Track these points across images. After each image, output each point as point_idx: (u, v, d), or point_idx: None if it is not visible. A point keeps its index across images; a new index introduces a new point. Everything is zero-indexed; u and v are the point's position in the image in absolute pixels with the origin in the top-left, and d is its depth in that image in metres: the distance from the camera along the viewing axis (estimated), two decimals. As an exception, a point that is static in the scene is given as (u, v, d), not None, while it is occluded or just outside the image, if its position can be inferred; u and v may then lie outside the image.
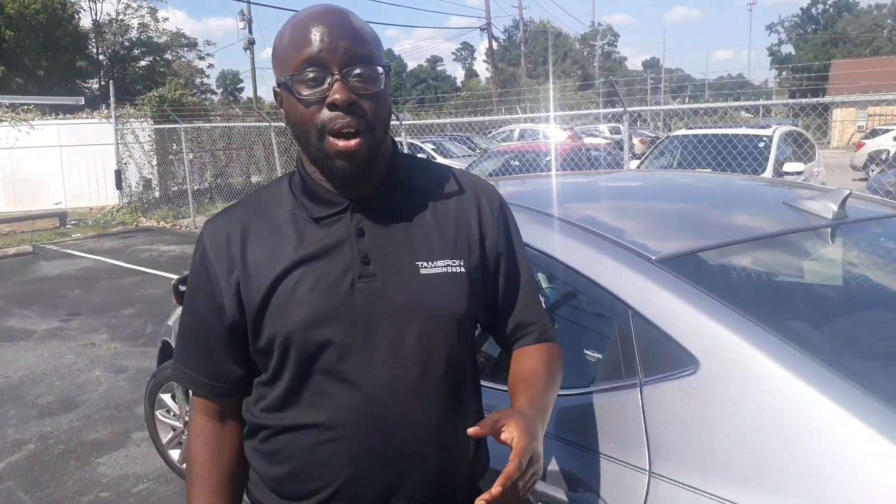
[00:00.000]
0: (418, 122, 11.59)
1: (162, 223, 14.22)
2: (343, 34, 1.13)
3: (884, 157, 9.61)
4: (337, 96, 1.11)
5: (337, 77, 1.12)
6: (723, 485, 1.21)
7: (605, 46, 75.18)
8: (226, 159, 17.26)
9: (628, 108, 7.42)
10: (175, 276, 3.48)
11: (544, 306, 1.41)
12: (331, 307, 1.18)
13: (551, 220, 1.82)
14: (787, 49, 68.72)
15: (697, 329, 1.37)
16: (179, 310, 3.54)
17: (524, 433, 1.05)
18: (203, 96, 35.91)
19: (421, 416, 1.21)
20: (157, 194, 15.97)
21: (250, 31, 38.98)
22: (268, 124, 11.61)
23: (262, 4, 35.45)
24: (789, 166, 8.32)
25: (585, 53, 69.97)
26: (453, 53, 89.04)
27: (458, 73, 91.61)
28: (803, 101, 7.88)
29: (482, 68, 73.57)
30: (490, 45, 39.23)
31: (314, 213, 1.23)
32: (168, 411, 3.66)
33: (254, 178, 18.15)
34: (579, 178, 3.18)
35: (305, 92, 1.13)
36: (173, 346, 3.36)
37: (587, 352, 1.74)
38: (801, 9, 68.27)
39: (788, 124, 10.27)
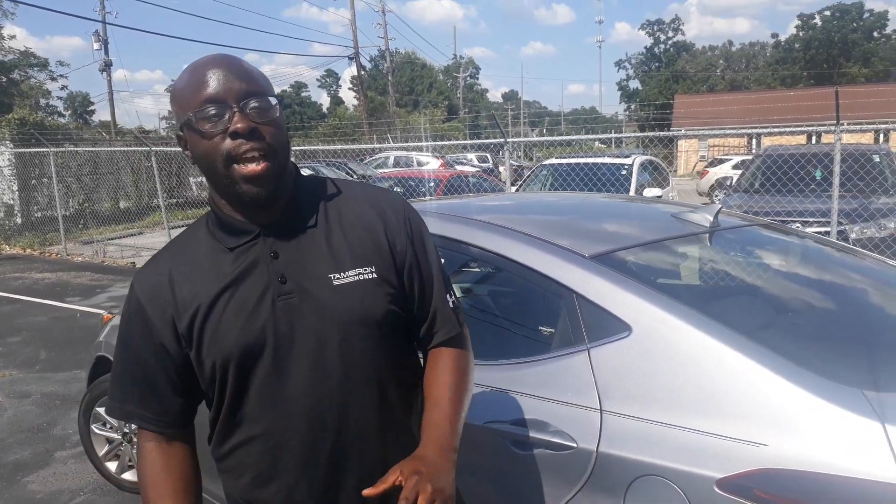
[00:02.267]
0: (305, 147, 11.81)
1: (28, 251, 13.56)
2: (237, 74, 1.25)
3: (728, 183, 10.84)
4: (239, 125, 1.22)
5: (235, 109, 1.23)
6: (654, 411, 1.70)
7: (468, 78, 77.74)
8: (93, 184, 16.67)
9: (509, 140, 8.09)
10: (60, 303, 3.62)
11: (455, 304, 1.50)
12: (256, 327, 1.29)
13: (501, 229, 2.29)
14: (635, 84, 73.89)
15: (627, 304, 1.87)
16: (109, 327, 3.71)
17: (411, 475, 1.19)
18: (49, 118, 34.17)
19: (352, 418, 1.32)
20: (18, 221, 15.17)
21: (106, 53, 37.47)
22: (149, 149, 11.42)
23: (118, 25, 34.11)
24: (648, 191, 9.28)
25: (449, 84, 72.07)
26: (318, 80, 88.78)
27: (324, 100, 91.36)
28: (653, 134, 8.87)
29: (348, 96, 73.94)
30: (359, 73, 39.76)
31: (228, 244, 1.33)
32: (105, 424, 3.79)
33: (122, 204, 17.60)
34: (493, 200, 3.68)
35: (208, 126, 1.23)
36: (112, 360, 3.54)
37: (542, 328, 2.21)
38: (646, 47, 73.69)
39: (640, 153, 11.35)
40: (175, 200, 17.53)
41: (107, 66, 37.45)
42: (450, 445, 1.31)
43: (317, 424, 1.31)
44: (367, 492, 1.20)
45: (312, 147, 15.06)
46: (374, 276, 1.35)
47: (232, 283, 1.31)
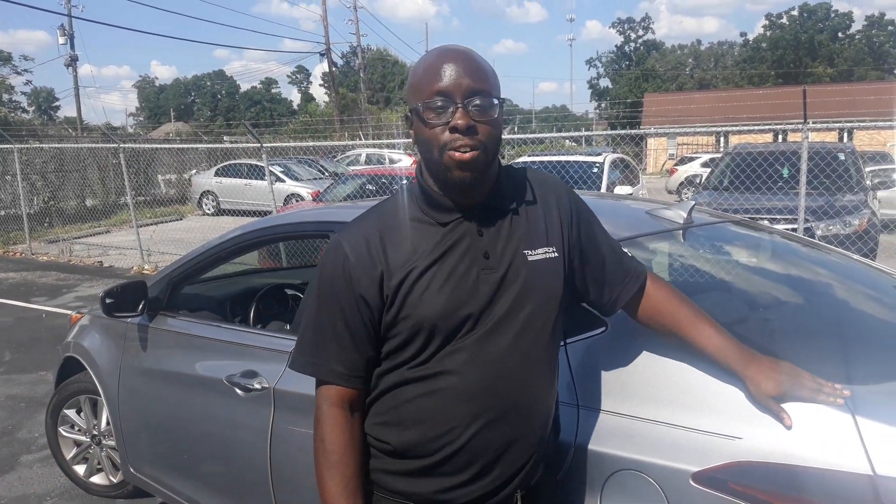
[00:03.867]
0: (276, 144, 11.71)
1: (-9, 250, 13.29)
2: (468, 71, 1.38)
3: (697, 181, 10.98)
4: (459, 122, 1.35)
5: (459, 106, 1.36)
6: (630, 406, 1.71)
7: (440, 75, 77.53)
8: (58, 182, 16.38)
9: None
10: (25, 304, 3.56)
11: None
12: (463, 296, 1.42)
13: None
14: (606, 82, 74.46)
15: (604, 301, 1.87)
16: (78, 328, 3.65)
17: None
18: (13, 114, 33.40)
19: (531, 381, 1.48)
20: (-21, 219, 14.86)
21: (72, 48, 36.82)
22: (117, 145, 11.25)
23: (84, 19, 33.56)
24: (619, 189, 9.36)
25: (421, 81, 71.84)
26: (288, 76, 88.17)
27: (294, 97, 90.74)
28: (623, 132, 8.95)
29: (319, 92, 73.52)
30: (330, 70, 39.51)
31: (439, 219, 1.47)
32: (72, 426, 3.73)
33: (89, 202, 17.32)
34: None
35: (432, 116, 1.38)
36: (82, 360, 3.49)
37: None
38: (616, 46, 74.35)
39: (610, 151, 11.45)
40: (143, 198, 17.30)
41: (73, 61, 36.81)
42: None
43: (502, 387, 1.45)
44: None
45: (283, 144, 14.91)
46: (556, 254, 1.52)
47: (442, 255, 1.44)
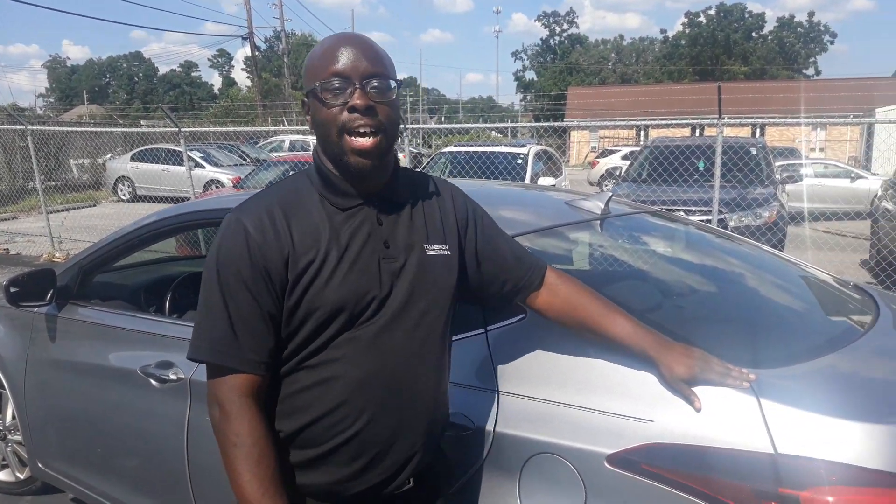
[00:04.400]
0: (196, 129, 11.38)
1: None
2: (365, 54, 1.39)
3: (618, 173, 11.26)
4: (358, 101, 1.36)
5: (357, 86, 1.37)
6: (548, 391, 1.75)
7: (366, 63, 76.92)
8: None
9: (408, 126, 8.08)
10: None
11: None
12: (366, 284, 1.42)
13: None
14: (531, 75, 75.32)
15: (524, 288, 1.90)
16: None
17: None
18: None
19: (423, 373, 1.50)
20: None
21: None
22: (24, 128, 10.72)
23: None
24: (543, 180, 9.51)
25: (347, 68, 71.09)
26: (209, 60, 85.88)
27: (215, 81, 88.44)
28: (547, 124, 9.08)
29: (241, 77, 71.84)
30: (252, 54, 38.65)
31: (341, 205, 1.45)
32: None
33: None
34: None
35: (329, 97, 1.38)
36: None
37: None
38: (541, 39, 75.33)
39: (535, 143, 11.61)
40: (54, 183, 16.54)
41: (-24, 38, 34.84)
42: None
43: (394, 376, 1.46)
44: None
45: (203, 129, 14.53)
46: (449, 252, 1.55)
47: (346, 241, 1.43)
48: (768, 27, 67.15)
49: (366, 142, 1.38)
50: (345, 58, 1.39)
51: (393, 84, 1.43)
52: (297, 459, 1.48)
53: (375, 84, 1.39)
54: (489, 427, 1.77)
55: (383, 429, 1.47)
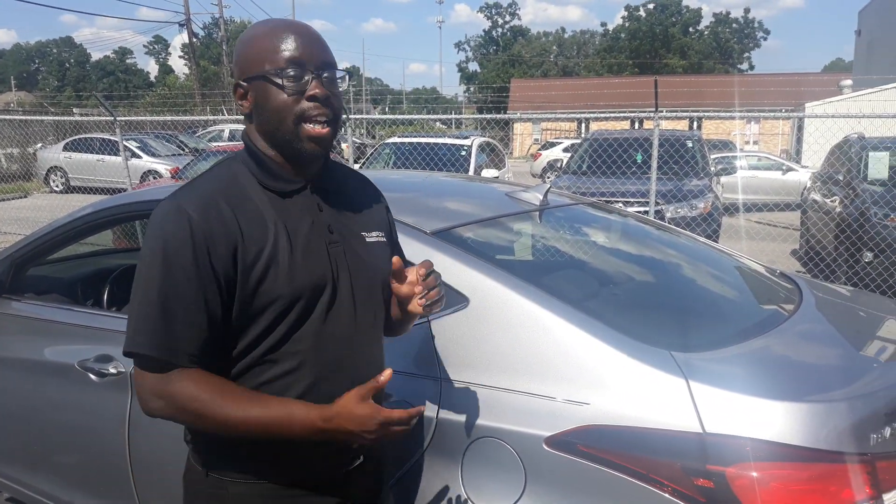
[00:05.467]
0: (131, 118, 11.09)
1: None
2: (318, 44, 1.41)
3: (559, 165, 11.42)
4: (317, 91, 1.37)
5: (314, 75, 1.38)
6: (488, 376, 1.80)
7: (308, 52, 75.98)
8: None
9: (351, 116, 8.05)
10: None
11: None
12: (319, 269, 1.43)
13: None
14: (474, 66, 75.52)
15: (465, 277, 1.95)
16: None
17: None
18: None
19: (375, 354, 1.56)
20: None
21: None
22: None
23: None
24: (486, 172, 9.58)
25: (288, 57, 70.04)
26: (145, 47, 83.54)
27: (152, 68, 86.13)
28: (490, 116, 9.16)
29: (178, 64, 70.08)
30: (190, 41, 37.76)
31: (281, 190, 1.44)
32: None
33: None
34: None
35: (288, 83, 1.36)
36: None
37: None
38: (484, 30, 75.57)
39: (478, 135, 11.68)
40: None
41: None
42: None
43: (346, 360, 1.48)
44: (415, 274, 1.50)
45: (139, 118, 14.12)
46: (384, 240, 1.60)
47: (293, 228, 1.42)
48: (705, 22, 68.89)
49: (322, 130, 1.40)
50: (300, 45, 1.38)
51: (342, 74, 1.46)
52: (253, 452, 1.44)
53: (327, 75, 1.41)
54: (431, 413, 1.81)
55: (327, 392, 1.45)
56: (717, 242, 3.85)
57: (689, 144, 9.18)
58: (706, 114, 8.05)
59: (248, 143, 1.47)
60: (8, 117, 18.16)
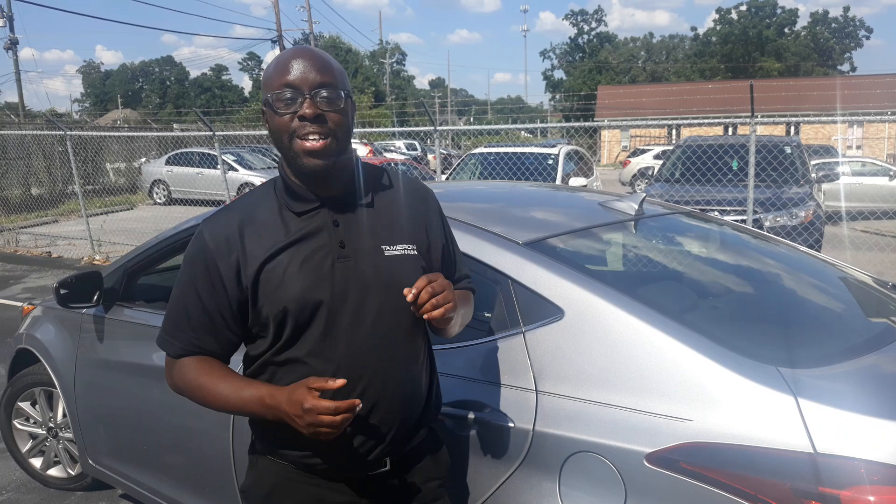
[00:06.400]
0: (227, 133, 11.56)
1: (-67, 240, 12.85)
2: (315, 67, 1.48)
3: (650, 172, 11.17)
4: (307, 111, 1.45)
5: (307, 97, 1.46)
6: (586, 390, 1.78)
7: (394, 64, 77.34)
8: (1, 170, 15.90)
9: (438, 128, 8.13)
10: None
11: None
12: (316, 282, 1.51)
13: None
14: (560, 74, 74.96)
15: (560, 288, 1.94)
16: (30, 319, 3.60)
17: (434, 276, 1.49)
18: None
19: (389, 367, 1.56)
20: (-79, 209, 14.36)
21: (12, 30, 35.55)
22: (63, 133, 10.96)
23: (25, 1, 32.30)
24: (574, 181, 9.49)
25: (375, 70, 71.50)
26: (239, 63, 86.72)
27: (246, 84, 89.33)
28: (577, 124, 9.06)
29: (272, 81, 72.11)
30: (283, 58, 38.94)
31: (295, 209, 1.55)
32: (27, 419, 3.68)
33: (34, 191, 16.85)
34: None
35: (281, 106, 1.47)
36: (35, 352, 3.44)
37: (478, 312, 2.26)
38: (570, 38, 74.87)
39: (565, 143, 11.57)
40: (92, 187, 16.89)
41: (13, 44, 35.51)
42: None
43: (354, 372, 1.51)
44: (408, 291, 1.44)
45: (236, 132, 14.68)
46: (415, 253, 1.60)
47: (296, 242, 1.52)
48: (801, 23, 66.14)
49: (315, 144, 1.47)
50: (296, 70, 1.47)
51: (343, 93, 1.50)
52: (276, 436, 1.59)
53: (325, 94, 1.47)
54: (528, 427, 1.81)
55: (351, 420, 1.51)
56: (819, 252, 3.68)
57: (788, 150, 8.83)
58: (805, 118, 7.72)
59: (279, 167, 1.61)
60: (116, 134, 19.24)
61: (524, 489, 1.81)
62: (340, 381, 1.38)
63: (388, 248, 1.57)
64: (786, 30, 64.80)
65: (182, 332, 1.59)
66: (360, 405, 1.40)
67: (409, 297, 1.42)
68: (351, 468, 1.60)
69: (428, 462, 1.71)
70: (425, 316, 1.45)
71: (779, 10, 64.55)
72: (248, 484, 1.72)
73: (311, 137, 1.46)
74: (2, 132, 16.01)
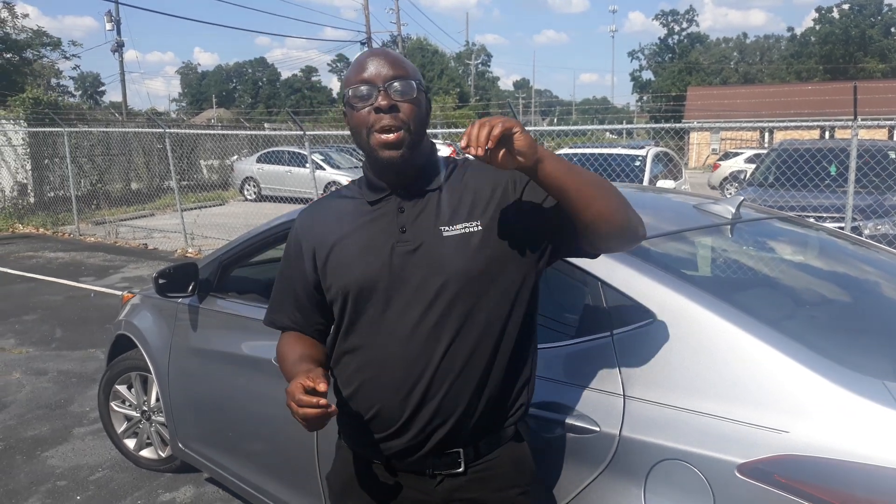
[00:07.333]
0: (316, 132, 11.83)
1: (42, 230, 13.66)
2: (386, 63, 1.53)
3: (742, 176, 10.80)
4: (382, 102, 1.49)
5: (381, 89, 1.50)
6: (676, 397, 1.73)
7: (479, 66, 77.42)
8: (105, 165, 16.74)
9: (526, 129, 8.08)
10: (74, 283, 3.64)
11: None
12: (374, 266, 1.56)
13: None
14: (648, 75, 73.44)
15: (651, 292, 1.89)
16: (129, 306, 3.77)
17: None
18: (61, 98, 33.93)
19: (443, 354, 1.52)
20: (31, 200, 15.27)
21: (119, 33, 37.39)
22: (163, 130, 11.46)
23: (131, 6, 33.90)
24: (662, 183, 9.27)
25: (461, 71, 71.74)
26: (328, 65, 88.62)
27: (334, 85, 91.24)
28: (666, 125, 8.85)
29: (359, 81, 73.38)
30: (370, 59, 39.53)
31: (369, 198, 1.63)
32: (123, 402, 3.85)
33: (133, 185, 17.67)
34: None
35: (358, 102, 1.53)
36: (133, 338, 3.60)
37: (567, 314, 2.24)
38: (659, 38, 73.21)
39: (653, 145, 11.31)
40: (186, 183, 17.57)
41: (119, 47, 37.36)
42: (543, 150, 1.38)
43: (409, 358, 1.54)
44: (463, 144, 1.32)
45: (325, 132, 14.98)
46: (478, 229, 1.56)
47: (360, 228, 1.61)
48: (910, 21, 62.56)
49: (390, 135, 1.51)
50: (370, 67, 1.53)
51: (415, 84, 1.54)
52: (346, 424, 1.69)
53: (397, 86, 1.51)
54: (615, 431, 1.77)
55: (405, 402, 1.55)
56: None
57: (892, 155, 8.38)
58: (912, 122, 7.30)
59: (363, 164, 1.68)
60: (210, 132, 19.97)
61: (608, 495, 1.78)
62: (323, 387, 1.41)
63: (447, 228, 1.56)
64: (892, 29, 61.50)
65: (275, 307, 1.79)
66: (334, 410, 1.43)
67: (462, 144, 1.32)
68: (403, 459, 1.60)
69: (508, 468, 1.65)
70: (469, 150, 1.32)
71: (885, 9, 61.35)
72: (330, 471, 1.80)
73: (386, 130, 1.50)
74: (106, 129, 16.84)
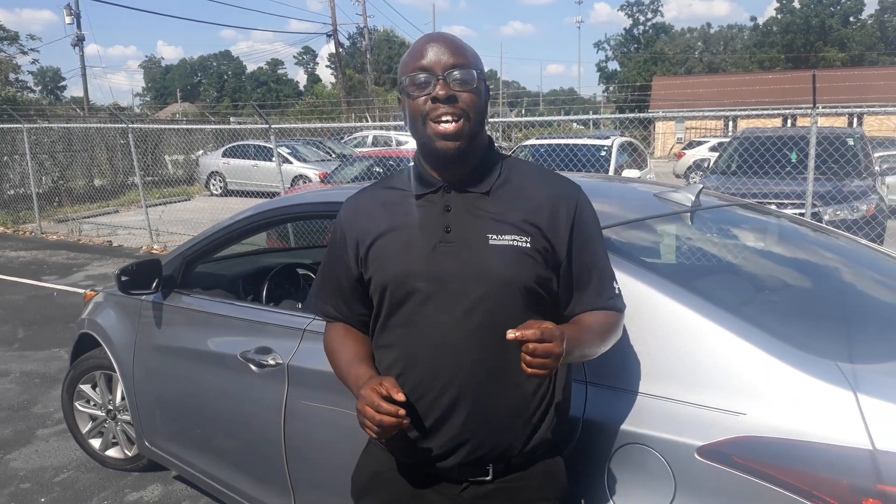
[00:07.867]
0: (282, 126, 11.73)
1: (2, 228, 13.37)
2: (448, 49, 1.48)
3: (706, 164, 10.95)
4: (440, 92, 1.46)
5: (440, 78, 1.47)
6: (637, 381, 1.76)
7: (447, 57, 77.01)
8: (66, 162, 16.43)
9: (490, 119, 8.11)
10: (36, 282, 3.59)
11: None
12: (415, 265, 1.52)
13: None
14: (614, 65, 73.89)
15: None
16: (93, 304, 3.72)
17: (553, 327, 1.33)
18: (20, 94, 33.18)
19: (478, 359, 1.49)
20: (-11, 198, 14.95)
21: (79, 27, 36.61)
22: (125, 125, 11.27)
23: (92, -1, 33.15)
24: (627, 173, 9.36)
25: (428, 63, 71.32)
26: (295, 57, 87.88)
27: (301, 78, 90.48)
28: (631, 115, 8.93)
29: (325, 73, 73.22)
30: (337, 51, 39.35)
31: (415, 191, 1.58)
32: (88, 401, 3.80)
33: (97, 182, 17.38)
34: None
35: (415, 90, 1.49)
36: (97, 337, 3.55)
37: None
38: (625, 29, 73.64)
39: (618, 135, 11.40)
40: (151, 178, 17.33)
41: (79, 41, 36.57)
42: (575, 339, 1.42)
43: (444, 357, 1.50)
44: (510, 334, 1.30)
45: (290, 125, 14.88)
46: (528, 245, 1.51)
47: (405, 224, 1.56)
48: (868, 11, 63.76)
49: (448, 126, 1.47)
50: (430, 54, 1.49)
51: (475, 73, 1.49)
52: None
53: (457, 74, 1.47)
54: (577, 415, 1.79)
55: (432, 407, 1.52)
56: (881, 246, 3.56)
57: (850, 142, 8.55)
58: (869, 109, 7.46)
59: (416, 154, 1.63)
60: (175, 126, 19.69)
61: (571, 477, 1.80)
62: (401, 397, 1.40)
63: (494, 237, 1.50)
64: (851, 18, 62.61)
65: (319, 295, 1.77)
66: (408, 421, 1.41)
67: (510, 337, 1.29)
68: (431, 465, 1.56)
69: (539, 479, 1.61)
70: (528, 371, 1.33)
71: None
72: (356, 466, 1.75)
73: (444, 119, 1.46)
74: (68, 125, 16.53)
